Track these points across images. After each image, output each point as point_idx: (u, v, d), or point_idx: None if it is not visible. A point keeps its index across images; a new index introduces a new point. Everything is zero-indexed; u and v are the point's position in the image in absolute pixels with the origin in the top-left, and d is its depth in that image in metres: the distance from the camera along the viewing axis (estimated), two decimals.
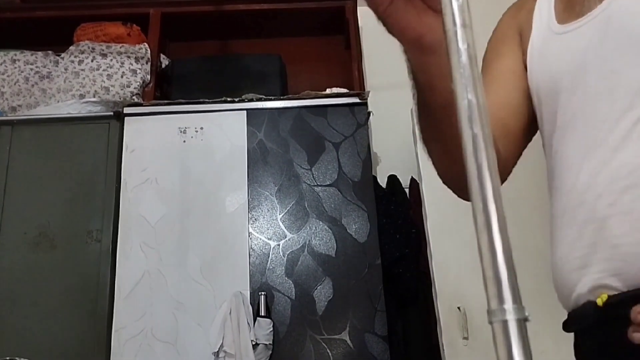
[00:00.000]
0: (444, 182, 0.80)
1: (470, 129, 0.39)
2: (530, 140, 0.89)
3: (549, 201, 0.83)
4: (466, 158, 0.38)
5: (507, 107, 0.85)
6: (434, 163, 0.77)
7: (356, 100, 2.37)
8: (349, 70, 2.61)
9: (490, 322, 0.35)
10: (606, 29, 0.73)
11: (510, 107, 0.85)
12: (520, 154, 0.86)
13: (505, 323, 0.34)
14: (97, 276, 2.13)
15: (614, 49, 0.73)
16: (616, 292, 0.69)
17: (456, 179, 0.78)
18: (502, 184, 0.81)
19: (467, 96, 0.40)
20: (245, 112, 2.35)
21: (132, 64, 2.56)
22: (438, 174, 0.78)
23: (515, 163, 0.85)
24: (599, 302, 0.70)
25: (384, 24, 0.54)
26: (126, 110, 2.36)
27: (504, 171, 0.82)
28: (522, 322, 0.34)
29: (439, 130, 0.68)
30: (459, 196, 0.79)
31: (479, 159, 0.38)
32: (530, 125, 0.87)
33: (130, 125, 2.34)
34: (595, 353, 0.73)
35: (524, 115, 0.86)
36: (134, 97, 2.52)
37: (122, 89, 2.52)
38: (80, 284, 2.13)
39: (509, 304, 0.34)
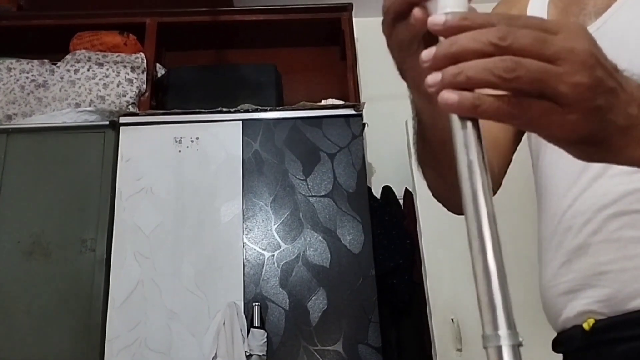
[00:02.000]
0: (435, 198, 0.81)
1: (466, 155, 0.40)
2: (516, 149, 0.89)
3: (538, 221, 0.84)
4: (461, 185, 0.39)
5: None
6: (427, 183, 0.78)
7: (351, 111, 2.38)
8: (344, 81, 2.63)
9: (485, 347, 0.35)
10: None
11: None
12: (509, 164, 0.87)
13: (499, 349, 0.35)
14: (90, 285, 2.12)
15: None
16: (603, 317, 0.69)
17: (447, 198, 0.79)
18: (493, 195, 0.82)
19: (463, 125, 0.41)
20: (240, 122, 2.36)
21: (128, 74, 2.57)
22: (431, 191, 0.80)
23: (505, 174, 0.86)
24: (586, 326, 0.70)
25: (403, 76, 0.55)
26: (122, 119, 2.36)
27: (495, 184, 0.83)
28: (516, 347, 0.35)
29: (436, 159, 0.69)
30: (448, 210, 0.80)
31: (475, 187, 0.39)
32: (517, 135, 0.87)
33: (126, 135, 2.34)
34: None
35: (513, 127, 0.87)
36: (130, 107, 2.52)
37: (118, 99, 2.52)
38: (73, 293, 2.12)
39: (503, 330, 0.35)
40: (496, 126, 0.84)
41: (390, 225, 2.42)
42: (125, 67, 2.58)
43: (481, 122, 0.75)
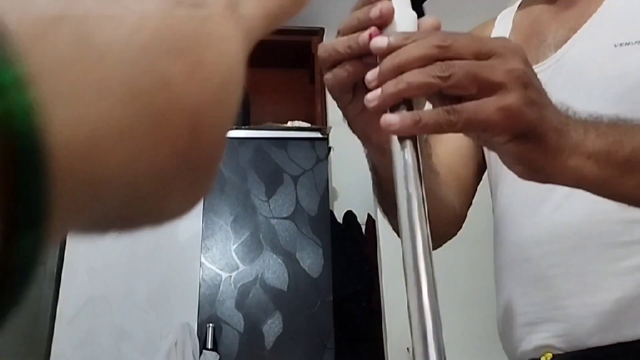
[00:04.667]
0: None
1: (406, 189, 0.39)
2: (478, 185, 0.89)
3: (494, 250, 0.84)
4: (400, 218, 0.39)
5: (458, 155, 0.85)
6: (392, 228, 0.77)
7: (317, 134, 2.38)
8: (312, 104, 2.63)
9: None
10: (559, 80, 0.74)
11: (461, 155, 0.86)
12: (472, 200, 0.87)
13: None
14: (38, 299, 2.05)
15: (565, 100, 0.74)
16: (560, 353, 0.69)
17: None
18: (456, 233, 0.81)
19: (403, 156, 0.41)
20: None
21: None
22: (396, 233, 0.79)
23: (467, 210, 0.85)
24: None
25: (351, 127, 0.56)
26: None
27: (459, 221, 0.82)
28: None
29: (395, 209, 0.69)
30: None
31: (412, 219, 0.39)
32: (479, 171, 0.88)
33: None
34: None
35: (474, 162, 0.87)
36: None
37: None
38: (20, 306, 2.04)
39: None
40: (457, 163, 0.84)
41: (351, 250, 2.41)
42: None
43: (443, 161, 0.75)
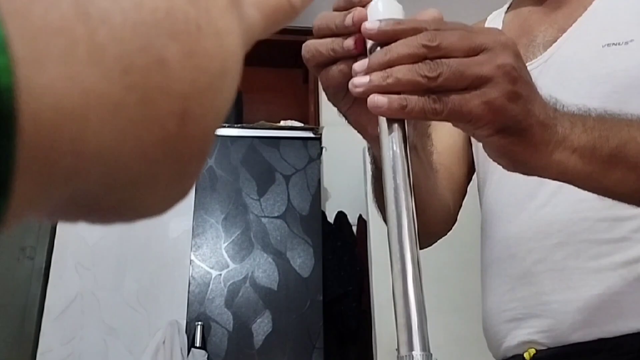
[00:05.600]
0: None
1: (393, 180, 0.40)
2: (469, 182, 0.90)
3: (481, 247, 0.84)
4: (387, 207, 0.40)
5: (451, 153, 0.86)
6: (384, 221, 0.77)
7: (310, 134, 2.38)
8: (305, 104, 2.64)
9: None
10: (547, 79, 0.74)
11: (454, 153, 0.86)
12: (463, 198, 0.88)
13: None
14: (26, 295, 2.04)
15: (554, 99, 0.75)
16: (544, 348, 0.70)
17: None
18: (449, 231, 0.81)
19: (392, 147, 0.41)
20: None
21: None
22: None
23: (459, 208, 0.86)
24: (527, 356, 0.71)
25: (347, 120, 0.56)
26: None
27: (452, 219, 0.83)
28: None
29: None
30: None
31: (399, 209, 0.39)
32: (470, 170, 0.89)
33: None
34: None
35: (466, 161, 0.88)
36: None
37: None
38: (7, 302, 2.03)
39: (417, 351, 0.35)
40: (451, 161, 0.85)
41: (342, 251, 2.41)
42: None
43: (437, 158, 0.75)
